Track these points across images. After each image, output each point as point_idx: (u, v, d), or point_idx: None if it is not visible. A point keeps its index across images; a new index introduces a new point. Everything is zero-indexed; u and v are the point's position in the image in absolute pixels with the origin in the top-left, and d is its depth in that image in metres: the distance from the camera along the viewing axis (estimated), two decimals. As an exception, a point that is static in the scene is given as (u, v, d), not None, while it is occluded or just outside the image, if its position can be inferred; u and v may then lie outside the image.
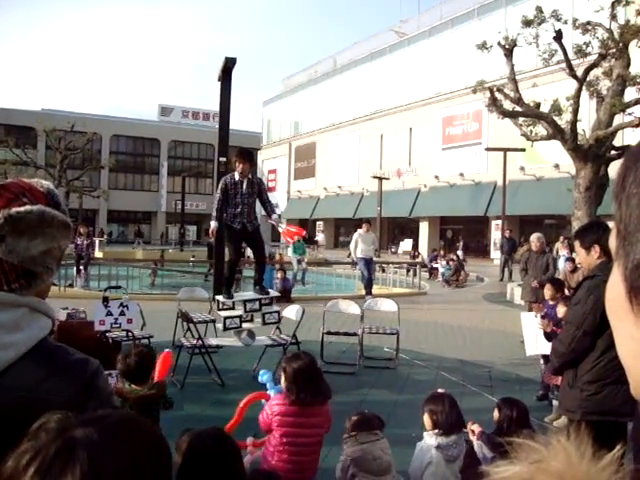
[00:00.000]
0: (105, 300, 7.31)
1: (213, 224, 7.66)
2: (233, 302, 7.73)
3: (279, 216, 8.55)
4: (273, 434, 3.53)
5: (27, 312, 1.27)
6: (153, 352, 4.19)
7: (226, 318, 7.44)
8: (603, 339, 3.46)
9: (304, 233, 9.07)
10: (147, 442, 0.90)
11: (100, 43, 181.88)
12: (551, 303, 6.78)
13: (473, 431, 3.55)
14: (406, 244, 38.53)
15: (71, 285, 16.27)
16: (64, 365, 1.27)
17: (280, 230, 8.30)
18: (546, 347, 6.38)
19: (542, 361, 6.88)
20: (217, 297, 8.08)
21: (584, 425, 3.23)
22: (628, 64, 13.89)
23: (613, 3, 14.15)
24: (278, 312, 7.80)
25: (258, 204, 7.80)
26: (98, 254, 25.94)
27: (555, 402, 6.02)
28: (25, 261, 1.27)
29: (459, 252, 29.57)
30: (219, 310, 7.78)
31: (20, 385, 1.20)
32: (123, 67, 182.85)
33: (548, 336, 6.21)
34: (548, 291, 6.94)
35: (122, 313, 7.12)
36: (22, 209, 1.26)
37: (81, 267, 17.87)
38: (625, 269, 0.64)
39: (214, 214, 7.66)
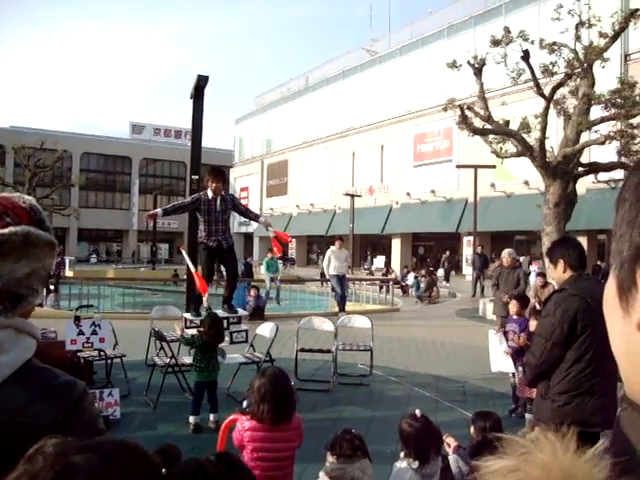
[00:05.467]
0: (77, 319, 7.23)
1: (158, 210, 7.71)
2: (200, 320, 7.67)
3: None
4: (246, 450, 3.52)
5: (12, 333, 1.24)
6: (219, 317, 6.72)
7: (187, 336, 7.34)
8: (572, 351, 3.56)
9: (290, 239, 9.09)
10: (144, 469, 0.90)
11: (70, 60, 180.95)
12: (515, 318, 6.93)
13: (449, 444, 3.58)
14: (379, 261, 38.69)
15: (40, 304, 16.02)
16: (50, 388, 1.24)
17: (270, 235, 8.29)
18: (507, 365, 6.56)
19: (510, 375, 6.98)
20: (184, 315, 8.05)
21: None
22: (593, 83, 14.22)
23: (577, 25, 14.50)
24: (246, 331, 7.74)
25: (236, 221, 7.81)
26: (68, 273, 25.59)
27: (528, 415, 6.08)
28: (10, 284, 1.24)
29: (440, 270, 29.98)
30: (186, 328, 7.72)
31: (5, 408, 1.17)
32: (94, 84, 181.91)
33: (521, 351, 6.32)
34: (513, 307, 7.10)
35: (94, 332, 7.03)
36: (6, 231, 1.23)
37: (51, 287, 17.59)
38: (615, 268, 0.70)
39: (168, 206, 7.81)
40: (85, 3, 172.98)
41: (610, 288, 0.72)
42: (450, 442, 3.60)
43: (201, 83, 10.33)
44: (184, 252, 8.46)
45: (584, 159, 15.73)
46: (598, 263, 24.65)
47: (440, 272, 29.78)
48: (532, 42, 14.88)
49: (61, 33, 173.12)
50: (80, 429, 1.20)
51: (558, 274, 3.81)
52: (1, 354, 1.21)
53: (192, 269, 7.94)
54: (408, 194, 37.88)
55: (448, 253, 32.54)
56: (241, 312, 8.23)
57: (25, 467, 0.83)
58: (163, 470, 1.03)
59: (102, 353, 7.30)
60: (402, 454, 3.38)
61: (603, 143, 14.51)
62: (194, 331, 7.38)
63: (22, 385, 1.21)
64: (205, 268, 7.78)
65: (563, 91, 15.33)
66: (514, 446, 0.67)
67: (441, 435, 3.53)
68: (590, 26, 14.72)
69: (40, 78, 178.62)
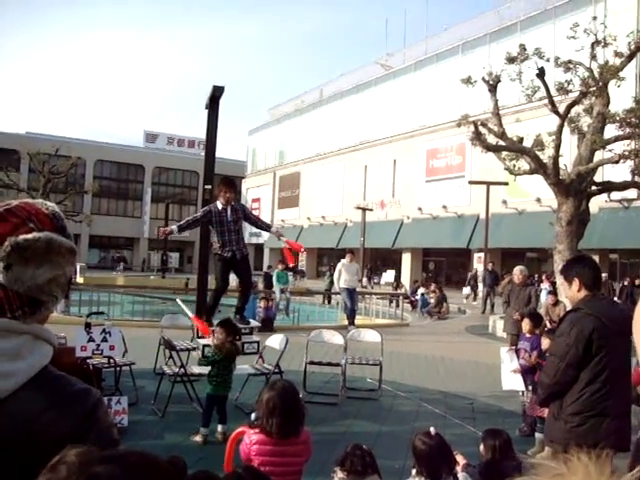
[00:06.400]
0: (87, 326, 7.23)
1: (174, 227, 7.67)
2: (212, 330, 7.65)
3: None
4: (252, 464, 3.49)
5: (30, 339, 1.24)
6: (233, 322, 6.81)
7: (205, 346, 7.34)
8: (587, 371, 3.51)
9: (302, 249, 9.11)
10: None
11: (85, 67, 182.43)
12: (528, 336, 6.92)
13: (458, 462, 3.54)
14: (388, 275, 38.57)
15: (51, 310, 16.02)
16: (65, 396, 1.24)
17: (282, 245, 8.32)
18: (518, 383, 6.53)
19: (520, 393, 6.93)
20: None
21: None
22: (608, 102, 14.19)
23: (593, 44, 14.50)
24: (258, 342, 7.71)
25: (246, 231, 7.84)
26: (79, 279, 25.67)
27: (538, 435, 6.03)
28: (31, 289, 1.24)
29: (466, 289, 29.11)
30: (198, 338, 7.71)
31: (20, 416, 1.17)
32: (109, 92, 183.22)
33: (532, 369, 6.28)
34: (526, 325, 7.09)
35: (104, 339, 7.01)
36: (30, 237, 1.22)
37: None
38: None
39: (182, 222, 7.78)
40: (101, 12, 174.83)
41: None
42: (459, 460, 3.57)
43: (216, 94, 10.34)
44: (180, 301, 8.79)
45: (598, 178, 15.67)
46: (625, 284, 23.19)
47: (466, 290, 28.98)
48: (547, 60, 14.89)
49: (76, 40, 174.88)
50: (94, 437, 1.19)
51: (572, 293, 3.76)
52: (18, 360, 1.20)
53: (190, 315, 8.08)
54: (420, 209, 37.86)
55: (475, 270, 30.86)
56: (253, 323, 8.22)
57: (48, 476, 0.84)
58: None
59: (111, 360, 7.29)
60: (414, 471, 3.34)
61: (617, 162, 14.46)
62: (206, 340, 7.37)
63: (37, 392, 1.21)
64: (220, 280, 7.76)
65: (578, 109, 15.31)
66: (546, 468, 0.66)
67: (453, 455, 3.49)
68: (606, 45, 14.72)
69: (55, 84, 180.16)
